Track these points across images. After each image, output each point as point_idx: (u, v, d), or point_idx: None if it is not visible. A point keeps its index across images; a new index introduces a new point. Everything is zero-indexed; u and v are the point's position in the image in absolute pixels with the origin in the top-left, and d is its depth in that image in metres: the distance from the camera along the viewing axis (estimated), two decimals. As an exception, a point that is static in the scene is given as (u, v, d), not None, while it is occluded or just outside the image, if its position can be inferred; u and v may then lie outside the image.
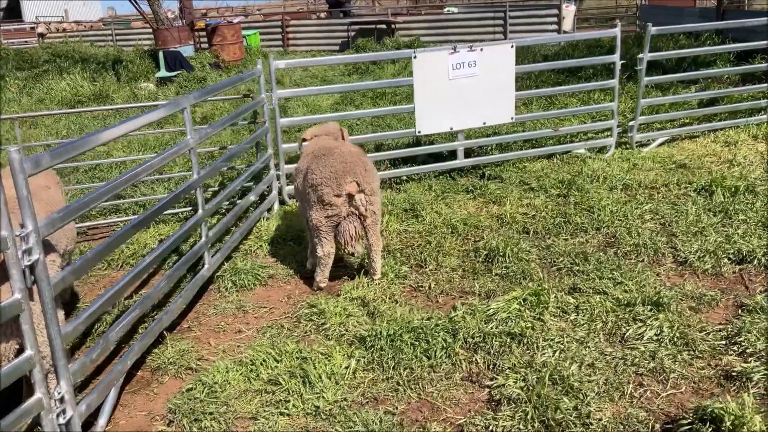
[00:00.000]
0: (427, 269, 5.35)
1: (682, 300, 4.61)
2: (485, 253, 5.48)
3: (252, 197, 6.30)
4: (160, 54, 15.55)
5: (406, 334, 4.14)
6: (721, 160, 7.69)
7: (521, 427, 3.34)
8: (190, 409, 3.63)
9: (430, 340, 4.11)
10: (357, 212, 4.89)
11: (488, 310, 4.45)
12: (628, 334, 4.15)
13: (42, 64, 18.23)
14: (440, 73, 7.24)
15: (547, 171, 7.65)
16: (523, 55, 15.02)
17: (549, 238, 5.80)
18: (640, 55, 8.01)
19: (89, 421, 3.57)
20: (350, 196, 4.81)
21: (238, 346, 4.40)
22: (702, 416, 3.16)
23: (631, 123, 8.38)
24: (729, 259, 5.18)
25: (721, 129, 8.85)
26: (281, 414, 3.59)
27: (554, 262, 5.33)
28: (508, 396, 3.57)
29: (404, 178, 7.70)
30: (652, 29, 7.92)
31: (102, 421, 3.58)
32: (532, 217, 6.30)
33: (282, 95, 6.81)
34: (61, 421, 3.17)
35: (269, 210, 6.84)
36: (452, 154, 7.84)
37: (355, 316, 4.62)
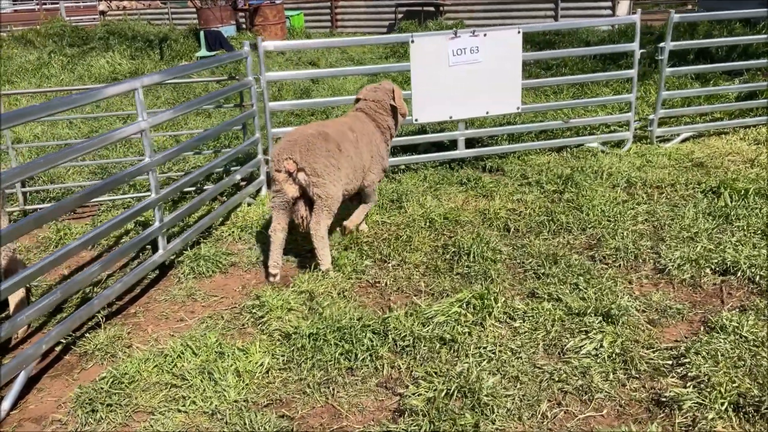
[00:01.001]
0: (390, 264, 5.15)
1: (645, 311, 4.27)
2: (453, 250, 5.24)
3: (231, 181, 6.21)
4: (201, 33, 15.68)
5: (331, 334, 3.97)
6: (742, 160, 7.15)
7: (412, 442, 3.14)
8: (90, 398, 3.57)
9: (355, 341, 3.93)
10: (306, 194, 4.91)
11: (428, 311, 4.23)
12: (568, 346, 3.86)
13: (96, 41, 18.68)
14: (439, 59, 6.95)
15: (552, 165, 7.28)
16: (568, 40, 14.47)
17: (527, 237, 5.50)
18: (662, 44, 7.51)
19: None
20: (290, 175, 4.80)
21: (172, 336, 4.32)
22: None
23: (651, 116, 7.89)
24: (712, 269, 4.78)
25: (754, 125, 8.24)
26: (179, 411, 3.48)
27: (522, 263, 5.04)
28: (412, 407, 3.36)
29: (402, 167, 7.47)
30: (675, 16, 7.40)
31: (5, 404, 3.57)
32: (518, 213, 5.99)
33: (270, 78, 6.67)
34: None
35: (257, 193, 6.76)
36: (454, 144, 7.56)
37: (297, 311, 4.47)
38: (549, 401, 3.41)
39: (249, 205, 6.54)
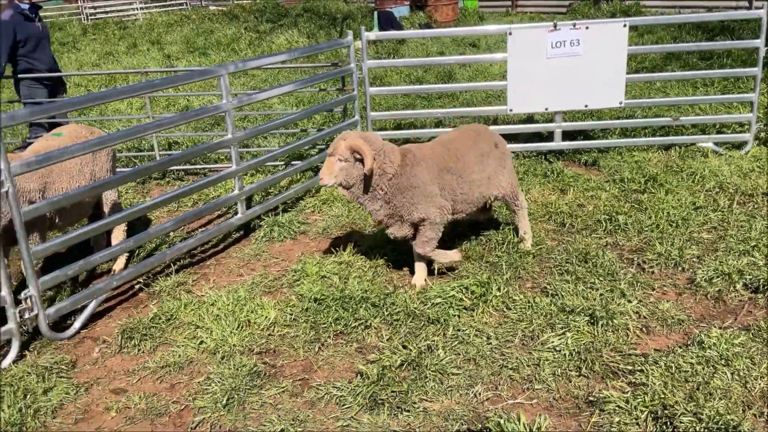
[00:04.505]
0: (433, 247, 5.54)
1: (645, 318, 4.31)
2: (496, 239, 5.51)
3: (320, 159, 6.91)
4: (375, 14, 16.57)
5: (333, 301, 4.53)
6: None
7: (347, 398, 3.63)
8: (132, 328, 4.46)
9: (351, 310, 4.45)
10: None
11: (431, 293, 4.62)
12: (542, 339, 4.07)
13: (291, 18, 20.35)
14: (537, 51, 7.08)
15: (651, 163, 7.11)
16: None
17: (577, 234, 5.59)
18: (792, 41, 6.96)
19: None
20: None
21: (224, 287, 5.13)
22: (484, 427, 3.17)
23: (777, 118, 7.35)
24: (745, 284, 4.62)
25: None
26: (191, 347, 4.25)
27: (555, 258, 5.19)
28: (367, 371, 3.83)
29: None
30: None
31: (77, 324, 4.58)
32: (582, 210, 6.05)
33: (371, 66, 7.23)
34: (27, 315, 4.19)
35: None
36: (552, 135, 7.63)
37: (329, 279, 5.06)
38: (489, 383, 3.71)
39: (341, 181, 7.20)
